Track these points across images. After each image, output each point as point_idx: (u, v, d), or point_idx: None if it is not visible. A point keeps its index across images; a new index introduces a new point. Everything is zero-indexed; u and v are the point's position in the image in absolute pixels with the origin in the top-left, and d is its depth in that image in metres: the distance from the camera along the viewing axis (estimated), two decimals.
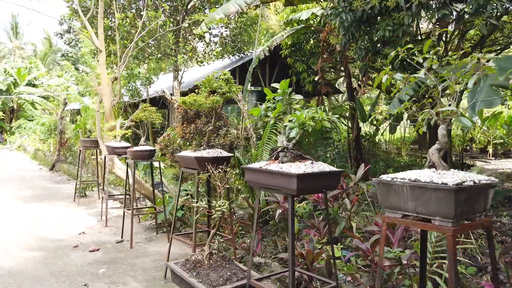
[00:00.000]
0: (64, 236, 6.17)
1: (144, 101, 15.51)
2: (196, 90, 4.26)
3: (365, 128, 16.18)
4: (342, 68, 13.50)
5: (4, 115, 28.88)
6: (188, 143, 5.32)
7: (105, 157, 7.29)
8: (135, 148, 5.60)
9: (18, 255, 5.25)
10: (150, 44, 13.79)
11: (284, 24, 15.03)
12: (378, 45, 7.95)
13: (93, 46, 14.81)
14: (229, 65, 16.84)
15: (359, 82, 10.09)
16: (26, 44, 44.24)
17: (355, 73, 13.95)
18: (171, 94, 7.34)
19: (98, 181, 9.34)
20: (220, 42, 16.67)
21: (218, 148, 4.40)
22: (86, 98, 15.29)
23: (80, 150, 8.86)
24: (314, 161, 2.90)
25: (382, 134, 16.22)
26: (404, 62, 5.87)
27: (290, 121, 2.84)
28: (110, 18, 12.53)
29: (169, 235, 5.89)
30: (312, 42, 14.64)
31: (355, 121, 10.42)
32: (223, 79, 3.84)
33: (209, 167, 3.86)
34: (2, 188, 10.44)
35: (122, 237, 6.01)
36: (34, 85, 30.47)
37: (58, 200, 8.95)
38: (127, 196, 8.23)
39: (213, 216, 3.75)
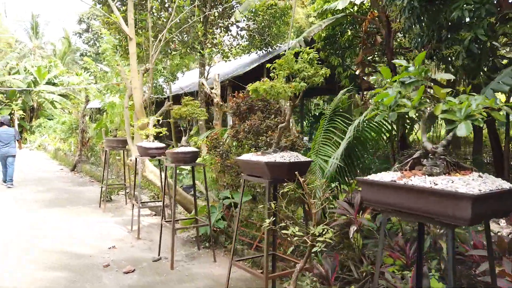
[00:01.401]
0: (92, 251, 5.32)
1: (166, 98, 14.74)
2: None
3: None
4: (383, 61, 12.42)
5: (24, 114, 28.63)
6: (241, 144, 4.39)
7: (136, 159, 6.44)
8: (177, 150, 4.70)
9: (39, 276, 4.42)
10: (175, 38, 12.98)
11: (317, 15, 13.96)
12: (443, 30, 6.91)
13: (115, 40, 14.12)
14: (257, 60, 15.91)
15: None
16: (46, 44, 44.29)
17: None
18: (211, 88, 6.45)
19: (124, 185, 8.52)
20: (247, 35, 15.71)
21: (277, 150, 3.43)
22: (106, 96, 14.61)
23: (105, 151, 8.05)
24: (480, 173, 1.92)
25: (416, 134, 15.07)
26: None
27: (445, 111, 1.86)
28: (136, 10, 11.71)
29: (214, 251, 5.00)
30: (349, 33, 13.53)
31: (399, 120, 9.39)
32: (306, 59, 2.89)
33: (282, 175, 2.94)
34: (21, 190, 9.74)
35: (159, 254, 5.13)
36: (54, 84, 30.17)
37: (82, 205, 8.17)
38: (160, 203, 7.39)
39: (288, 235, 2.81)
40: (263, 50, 15.74)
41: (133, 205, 6.54)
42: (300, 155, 3.23)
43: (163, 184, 5.67)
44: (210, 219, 5.06)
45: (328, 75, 2.99)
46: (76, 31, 43.31)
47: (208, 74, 13.56)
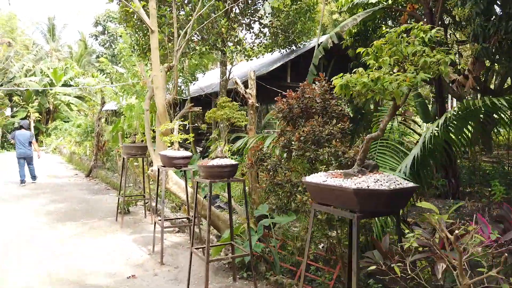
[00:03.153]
0: (107, 281, 4.47)
1: (186, 100, 13.93)
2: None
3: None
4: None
5: (40, 116, 28.31)
6: (292, 157, 3.47)
7: (158, 169, 5.59)
8: (212, 163, 3.80)
9: None
10: (195, 36, 12.15)
11: (347, 10, 12.93)
12: None
13: (132, 40, 13.37)
14: (280, 59, 15.01)
15: (465, 72, 7.95)
16: (63, 46, 44.31)
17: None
18: (246, 87, 5.56)
19: (144, 196, 7.69)
20: (271, 32, 14.78)
21: (363, 170, 2.49)
22: (123, 99, 13.89)
23: (123, 158, 7.24)
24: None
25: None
26: None
27: None
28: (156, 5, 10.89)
29: (256, 284, 4.08)
30: (384, 28, 12.46)
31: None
32: (423, 40, 1.95)
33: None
34: (33, 200, 9.02)
35: (188, 287, 4.24)
36: (70, 86, 29.82)
37: (98, 218, 7.37)
38: (182, 215, 6.53)
39: None
40: (286, 49, 14.84)
41: (155, 222, 5.68)
42: (398, 177, 2.28)
43: (194, 200, 4.78)
44: (251, 245, 4.15)
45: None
46: (92, 33, 43.21)
47: (230, 74, 12.71)
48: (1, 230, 6.49)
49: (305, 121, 3.58)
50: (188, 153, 5.32)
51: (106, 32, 42.68)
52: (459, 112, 3.89)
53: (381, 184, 2.15)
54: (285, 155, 3.70)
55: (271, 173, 3.54)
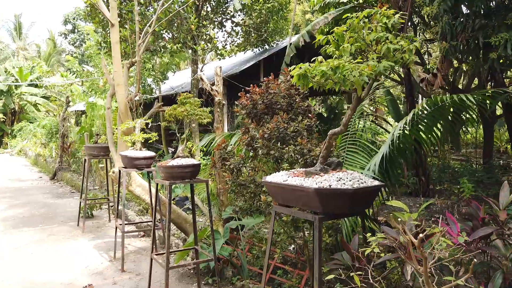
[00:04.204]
0: None
1: (156, 99, 13.54)
2: None
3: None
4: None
5: (5, 117, 27.06)
6: (257, 155, 3.28)
7: (119, 171, 5.28)
8: (172, 163, 3.56)
9: None
10: (165, 34, 11.81)
11: (318, 10, 12.90)
12: (480, 20, 5.91)
13: (99, 37, 12.87)
14: (253, 58, 14.83)
15: (435, 71, 8.00)
16: (30, 45, 42.70)
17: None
18: (212, 84, 5.33)
19: (108, 199, 7.33)
20: (243, 31, 14.59)
21: (326, 168, 2.33)
22: (91, 98, 13.34)
23: (85, 160, 6.86)
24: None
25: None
26: None
27: None
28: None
29: None
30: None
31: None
32: (386, 26, 1.79)
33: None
34: None
35: None
36: (36, 86, 28.64)
37: (58, 224, 6.95)
38: (147, 219, 6.23)
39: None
40: (259, 48, 14.69)
41: (116, 227, 5.37)
42: (363, 176, 2.12)
43: (154, 204, 4.51)
44: (215, 250, 3.93)
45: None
46: (61, 32, 41.79)
47: (202, 73, 12.42)
48: None
49: (270, 118, 3.40)
50: (151, 153, 5.04)
51: (76, 30, 41.38)
52: (428, 108, 3.80)
53: (344, 183, 1.98)
54: (250, 153, 3.50)
55: (234, 172, 3.33)
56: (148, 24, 6.29)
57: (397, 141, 3.72)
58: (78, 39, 41.71)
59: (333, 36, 1.91)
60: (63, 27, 41.81)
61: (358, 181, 2.03)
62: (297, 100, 3.35)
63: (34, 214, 7.68)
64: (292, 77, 3.61)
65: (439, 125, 4.40)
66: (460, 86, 12.75)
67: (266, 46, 14.89)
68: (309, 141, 3.12)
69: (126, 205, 7.82)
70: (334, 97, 17.84)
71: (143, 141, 5.04)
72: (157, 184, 3.93)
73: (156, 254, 4.00)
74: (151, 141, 5.17)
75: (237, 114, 3.93)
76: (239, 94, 3.66)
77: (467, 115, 4.36)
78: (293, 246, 4.76)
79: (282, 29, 15.34)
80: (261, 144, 3.15)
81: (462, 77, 13.54)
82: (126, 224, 5.78)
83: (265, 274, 2.40)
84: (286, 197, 2.18)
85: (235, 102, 3.88)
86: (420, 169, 7.97)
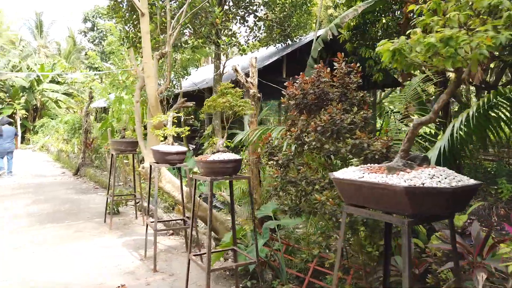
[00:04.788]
0: None
1: (178, 95, 13.36)
2: None
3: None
4: None
5: (27, 113, 27.43)
6: (309, 150, 2.99)
7: (150, 166, 5.07)
8: (214, 157, 3.31)
9: None
10: (189, 29, 11.61)
11: (344, 3, 12.48)
12: None
13: (120, 32, 12.75)
14: (275, 54, 14.52)
15: None
16: (51, 43, 43.30)
17: None
18: (247, 75, 5.07)
19: (134, 195, 7.15)
20: (266, 26, 14.28)
21: (411, 163, 2.02)
22: (111, 94, 13.26)
23: (111, 155, 6.70)
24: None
25: None
26: None
27: None
28: None
29: None
30: (384, 20, 12.02)
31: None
32: None
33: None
34: (15, 200, 8.41)
35: None
36: (57, 82, 28.97)
37: (85, 220, 6.81)
38: (181, 223, 6.00)
39: None
40: (282, 43, 14.38)
41: (147, 225, 5.16)
42: (455, 173, 1.81)
43: (192, 201, 4.28)
44: (258, 251, 3.66)
45: None
46: (81, 30, 42.28)
47: (224, 68, 12.20)
48: None
49: (319, 110, 3.10)
50: (183, 148, 4.82)
51: (95, 28, 41.80)
52: (489, 103, 3.42)
53: (440, 181, 1.68)
54: (293, 148, 3.21)
55: (282, 169, 3.05)
56: (176, 17, 6.07)
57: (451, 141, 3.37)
58: (97, 37, 42.14)
59: (427, 5, 1.60)
60: (83, 25, 42.30)
61: (454, 178, 1.72)
62: (352, 89, 3.05)
63: (59, 210, 7.57)
64: (347, 62, 3.32)
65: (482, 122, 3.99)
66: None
67: (289, 41, 14.56)
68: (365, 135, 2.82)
69: (152, 201, 7.64)
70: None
71: (175, 135, 4.82)
72: (195, 181, 3.69)
73: (194, 255, 3.76)
74: (183, 135, 4.94)
75: (269, 111, 3.64)
76: (285, 84, 3.37)
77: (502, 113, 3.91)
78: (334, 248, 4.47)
79: (306, 23, 14.97)
80: (313, 137, 2.86)
81: (488, 74, 12.96)
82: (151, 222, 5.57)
83: (336, 280, 2.12)
84: (362, 197, 1.89)
85: (263, 99, 3.62)
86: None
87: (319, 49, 10.47)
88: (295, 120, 3.26)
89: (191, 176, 4.90)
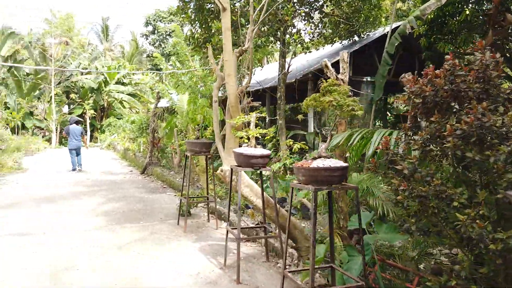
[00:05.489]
0: None
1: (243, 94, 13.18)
2: None
3: None
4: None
5: (95, 113, 29.00)
6: (438, 159, 2.49)
7: (231, 169, 4.79)
8: (317, 164, 2.91)
9: None
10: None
11: None
12: None
13: (186, 32, 12.83)
14: (341, 51, 13.84)
15: None
16: (115, 46, 45.58)
17: None
18: (338, 72, 4.63)
19: (207, 197, 6.98)
20: (331, 22, 13.65)
21: None
22: (175, 96, 13.41)
23: (185, 156, 6.56)
24: None
25: None
26: None
27: None
28: None
29: None
30: (467, 12, 10.92)
31: None
32: None
33: None
34: (90, 198, 8.64)
35: None
36: (122, 84, 30.33)
37: (158, 221, 6.75)
38: (261, 231, 5.69)
39: None
40: (349, 39, 13.69)
41: (227, 231, 4.90)
42: None
43: (288, 211, 3.92)
44: (365, 271, 3.20)
45: None
46: (143, 33, 44.14)
47: (289, 67, 11.81)
48: (63, 233, 6.02)
49: (449, 110, 2.58)
50: (267, 151, 4.49)
51: (156, 31, 43.43)
52: None
53: None
54: (414, 154, 2.72)
55: (407, 180, 2.58)
56: (255, 13, 5.77)
57: None
58: (157, 39, 43.76)
59: None
60: (144, 28, 44.14)
61: None
62: (496, 84, 2.50)
63: (133, 209, 7.61)
64: (422, 58, 2.79)
65: None
66: None
67: (356, 38, 13.84)
68: None
69: (220, 203, 7.45)
70: None
71: (260, 137, 4.50)
72: (292, 189, 3.31)
73: (289, 272, 3.39)
74: (266, 138, 4.60)
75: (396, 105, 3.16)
76: (402, 80, 2.89)
77: None
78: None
79: (376, 18, 14.13)
80: (452, 144, 2.36)
81: None
82: (231, 228, 5.30)
83: None
84: None
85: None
86: None
87: (396, 43, 9.71)
88: (415, 122, 2.77)
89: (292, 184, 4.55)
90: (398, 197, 2.56)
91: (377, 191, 4.71)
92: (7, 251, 5.08)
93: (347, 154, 4.80)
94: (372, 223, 4.48)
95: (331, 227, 3.43)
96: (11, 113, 23.97)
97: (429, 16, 10.49)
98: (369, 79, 13.19)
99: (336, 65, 12.24)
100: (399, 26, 10.70)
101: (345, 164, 2.97)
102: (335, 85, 3.09)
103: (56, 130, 25.57)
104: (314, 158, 3.11)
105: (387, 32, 11.45)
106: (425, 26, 10.59)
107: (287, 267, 4.33)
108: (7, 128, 21.10)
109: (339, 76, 4.52)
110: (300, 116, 10.31)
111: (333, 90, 3.06)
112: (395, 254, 4.33)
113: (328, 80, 3.15)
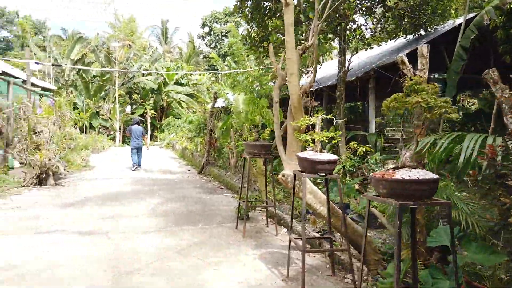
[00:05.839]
0: None
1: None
2: None
3: None
4: None
5: (155, 113, 30.11)
6: None
7: (294, 175, 4.49)
8: (402, 176, 2.52)
9: None
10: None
11: None
12: None
13: (242, 31, 12.70)
14: (406, 46, 12.97)
15: None
16: (174, 48, 47.14)
17: None
18: (414, 68, 4.17)
19: (266, 201, 6.74)
20: (394, 16, 12.80)
21: None
22: (230, 96, 13.36)
23: (244, 158, 6.37)
24: None
25: None
26: None
27: None
28: None
29: None
30: None
31: None
32: None
33: None
34: (150, 198, 8.77)
35: None
36: (180, 84, 31.19)
37: (216, 224, 6.63)
38: (325, 241, 5.34)
39: None
40: (414, 34, 12.78)
41: (289, 241, 4.61)
42: None
43: (364, 228, 3.56)
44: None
45: None
46: (199, 35, 45.22)
47: (349, 64, 11.25)
48: (125, 235, 6.10)
49: None
50: (334, 156, 4.13)
51: (211, 32, 44.27)
52: None
53: None
54: None
55: None
56: (320, 5, 5.41)
57: None
58: (213, 40, 44.61)
59: None
60: (201, 30, 45.17)
61: None
62: None
63: (191, 211, 7.59)
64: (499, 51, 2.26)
65: None
66: None
67: (422, 32, 12.88)
68: None
69: (278, 207, 7.18)
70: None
71: (327, 141, 4.15)
72: (369, 202, 2.94)
73: None
74: (334, 141, 4.25)
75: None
76: (483, 75, 2.40)
77: None
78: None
79: (445, 9, 13.04)
80: None
81: None
82: (294, 237, 5.00)
83: None
84: None
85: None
86: None
87: (472, 37, 8.84)
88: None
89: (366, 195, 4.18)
90: (509, 219, 2.10)
91: (460, 202, 4.17)
92: (72, 250, 5.19)
93: (425, 161, 4.29)
94: (456, 239, 3.95)
95: (413, 246, 3.01)
96: (79, 113, 25.60)
97: (508, 6, 9.41)
98: (436, 75, 12.20)
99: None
100: (474, 17, 9.73)
101: (435, 176, 2.55)
102: (421, 84, 2.67)
103: (120, 129, 26.89)
104: (396, 168, 2.72)
105: (458, 24, 10.48)
106: (503, 17, 9.52)
107: (356, 282, 3.96)
108: (76, 127, 22.51)
109: (417, 73, 4.05)
110: (377, 119, 9.69)
111: (420, 89, 2.64)
112: (482, 275, 3.79)
113: (414, 78, 2.73)
